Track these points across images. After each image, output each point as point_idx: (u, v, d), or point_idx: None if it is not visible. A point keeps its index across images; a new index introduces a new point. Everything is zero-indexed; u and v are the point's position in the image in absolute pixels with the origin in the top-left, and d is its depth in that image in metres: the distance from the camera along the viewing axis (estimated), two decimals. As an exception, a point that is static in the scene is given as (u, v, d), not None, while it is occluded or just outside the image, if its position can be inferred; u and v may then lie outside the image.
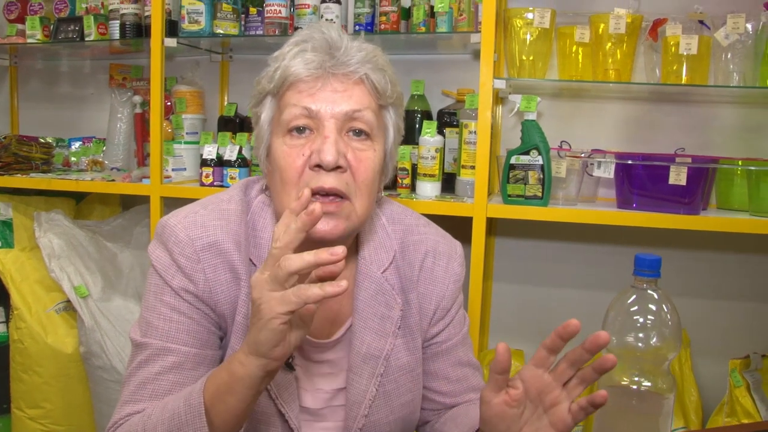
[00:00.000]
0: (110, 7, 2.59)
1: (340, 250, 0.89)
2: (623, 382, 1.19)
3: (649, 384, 1.19)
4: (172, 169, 2.52)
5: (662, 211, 2.01)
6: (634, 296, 1.20)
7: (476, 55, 2.35)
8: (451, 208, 2.11)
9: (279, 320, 0.91)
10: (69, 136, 3.03)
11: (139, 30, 2.56)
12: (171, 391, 1.10)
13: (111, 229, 2.81)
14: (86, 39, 2.65)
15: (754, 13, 2.05)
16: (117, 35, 2.58)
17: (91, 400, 2.54)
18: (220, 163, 2.38)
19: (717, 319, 2.40)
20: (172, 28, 2.46)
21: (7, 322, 2.63)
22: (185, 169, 2.58)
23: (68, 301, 2.52)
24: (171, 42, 2.41)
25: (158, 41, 2.39)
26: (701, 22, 2.11)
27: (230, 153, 2.37)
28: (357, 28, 2.32)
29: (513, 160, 2.07)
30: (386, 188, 1.30)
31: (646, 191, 2.06)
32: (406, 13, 2.34)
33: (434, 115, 2.44)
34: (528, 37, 2.25)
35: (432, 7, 2.27)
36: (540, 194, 2.06)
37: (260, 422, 1.18)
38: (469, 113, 2.18)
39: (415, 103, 2.39)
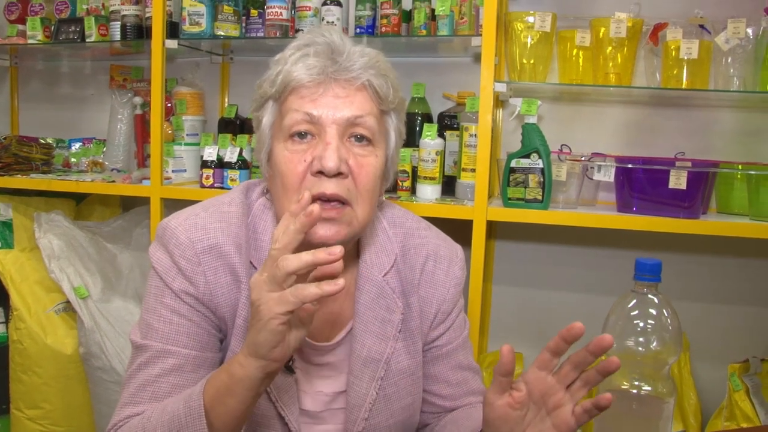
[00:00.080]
0: (111, 9, 2.59)
1: (337, 250, 0.89)
2: (623, 386, 1.19)
3: (649, 388, 1.19)
4: (173, 171, 2.52)
5: (662, 214, 2.01)
6: (635, 300, 1.20)
7: (477, 58, 2.35)
8: (452, 211, 2.12)
9: (277, 321, 0.91)
10: (69, 136, 3.03)
11: (139, 31, 2.56)
12: (171, 394, 1.10)
13: (111, 230, 2.81)
14: (87, 40, 2.65)
15: (755, 17, 2.05)
16: (118, 36, 2.58)
17: (91, 401, 2.53)
18: (221, 164, 2.38)
19: (716, 322, 2.41)
20: (172, 29, 2.46)
21: (6, 322, 2.63)
22: (185, 170, 2.58)
23: (68, 301, 2.51)
24: (172, 43, 2.41)
25: (159, 43, 2.39)
26: (702, 26, 2.12)
27: (230, 155, 2.37)
28: (358, 30, 2.32)
29: (513, 164, 2.07)
30: (386, 191, 1.29)
31: (646, 195, 2.06)
32: (407, 16, 2.34)
33: (435, 117, 2.44)
34: (529, 40, 2.25)
35: (433, 10, 2.27)
36: (540, 197, 2.06)
37: (260, 425, 1.18)
38: (470, 116, 2.18)
39: (416, 105, 2.39)
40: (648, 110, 2.42)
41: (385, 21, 2.29)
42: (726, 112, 2.35)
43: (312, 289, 0.89)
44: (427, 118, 2.40)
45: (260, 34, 2.40)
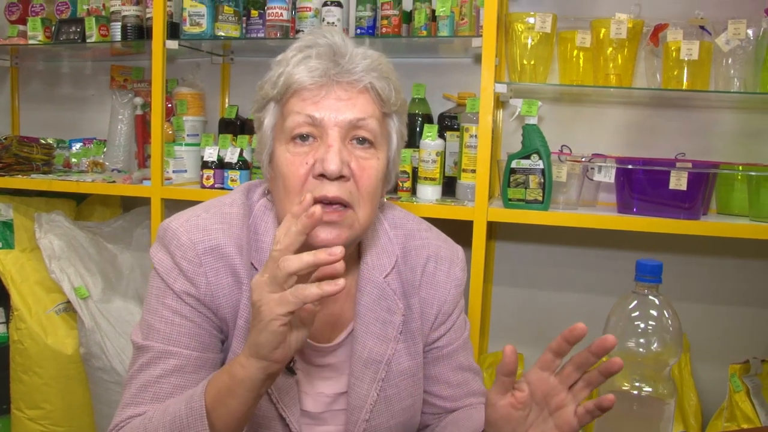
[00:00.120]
0: (112, 9, 2.59)
1: (337, 250, 0.89)
2: (624, 388, 1.20)
3: (650, 389, 1.19)
4: (173, 171, 2.52)
5: (662, 215, 2.02)
6: (636, 302, 1.20)
7: (477, 59, 2.36)
8: (452, 211, 2.12)
9: (279, 322, 0.92)
10: (70, 137, 3.03)
11: (140, 32, 2.56)
12: (172, 394, 1.10)
13: (111, 231, 2.81)
14: (88, 40, 2.65)
15: (755, 19, 2.06)
16: (118, 37, 2.58)
17: (91, 401, 2.53)
18: (221, 165, 2.38)
19: (717, 323, 2.41)
20: (173, 30, 2.46)
21: (7, 322, 2.63)
22: (186, 171, 2.58)
23: (68, 302, 2.51)
24: (172, 44, 2.41)
25: (160, 43, 2.39)
26: (702, 27, 2.12)
27: (231, 155, 2.37)
28: (358, 31, 2.32)
29: (514, 164, 2.07)
30: (387, 191, 1.29)
31: (646, 196, 2.06)
32: (408, 17, 2.34)
33: (435, 118, 2.45)
34: (529, 41, 2.25)
35: (433, 11, 2.27)
36: (540, 198, 2.06)
37: (261, 426, 1.19)
38: (470, 117, 2.18)
39: (416, 106, 2.39)
40: (648, 111, 2.42)
41: (385, 22, 2.29)
42: (726, 113, 2.35)
43: (312, 290, 0.89)
44: (428, 118, 2.41)
45: (261, 35, 2.40)
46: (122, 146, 2.88)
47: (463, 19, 2.22)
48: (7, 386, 2.58)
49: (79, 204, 2.99)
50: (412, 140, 2.30)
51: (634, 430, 1.19)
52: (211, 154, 2.39)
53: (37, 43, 2.75)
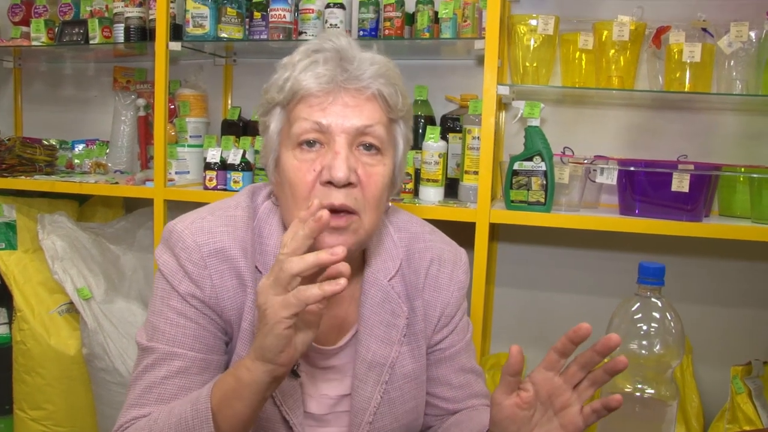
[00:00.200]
0: (115, 11, 2.61)
1: (339, 250, 0.90)
2: (627, 389, 1.20)
3: (652, 391, 1.19)
4: (176, 172, 2.52)
5: (665, 217, 2.02)
6: (638, 304, 1.21)
7: (480, 61, 2.36)
8: (455, 213, 2.12)
9: (283, 325, 0.92)
10: (72, 138, 3.04)
11: (143, 33, 2.57)
12: (177, 396, 1.11)
13: (114, 232, 2.82)
14: (91, 42, 2.65)
15: (758, 21, 2.05)
16: (121, 38, 2.59)
17: (94, 402, 2.54)
18: (224, 166, 2.38)
19: (719, 325, 2.41)
20: (176, 31, 2.46)
21: (10, 323, 2.63)
22: (188, 172, 2.58)
23: (71, 303, 2.52)
24: (175, 46, 2.41)
25: (163, 45, 2.39)
26: (704, 29, 2.12)
27: (234, 156, 2.38)
28: (361, 33, 2.32)
29: (516, 166, 2.07)
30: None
31: (648, 198, 2.07)
32: (410, 19, 2.35)
33: (437, 120, 2.45)
34: (532, 43, 2.26)
35: (436, 13, 2.28)
36: (543, 200, 2.06)
37: (264, 428, 1.19)
38: (473, 119, 2.18)
39: (419, 108, 2.39)
40: (650, 113, 2.42)
41: (388, 24, 2.29)
42: (728, 115, 2.35)
43: (314, 290, 0.89)
44: (430, 120, 2.41)
45: (263, 37, 2.40)
46: (125, 147, 2.89)
47: (465, 21, 2.22)
48: (10, 387, 2.58)
49: (81, 205, 3.00)
50: (415, 142, 2.30)
51: (637, 431, 1.20)
52: (213, 155, 2.40)
53: (40, 44, 2.76)
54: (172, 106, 2.70)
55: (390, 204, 1.36)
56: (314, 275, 0.93)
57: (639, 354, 1.17)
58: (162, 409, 1.07)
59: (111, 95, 3.00)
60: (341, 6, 2.31)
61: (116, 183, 2.56)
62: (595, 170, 2.14)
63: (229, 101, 2.88)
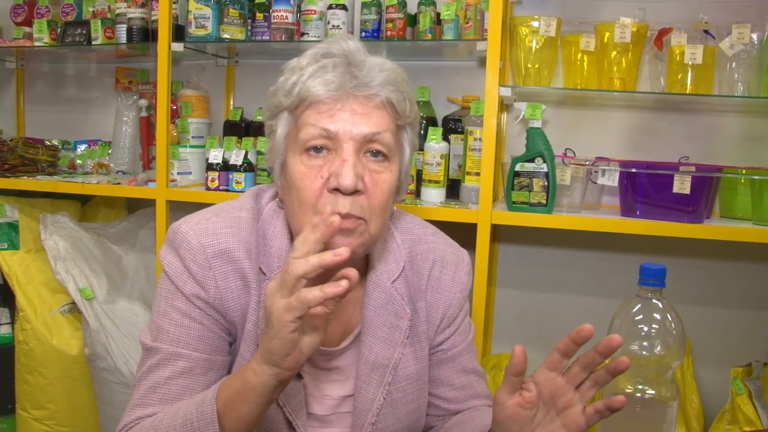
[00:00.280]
0: (117, 12, 2.61)
1: (343, 250, 0.90)
2: (627, 390, 1.20)
3: (653, 392, 1.20)
4: (178, 173, 2.53)
5: (666, 219, 2.02)
6: (639, 305, 1.21)
7: (482, 62, 2.36)
8: (456, 214, 2.12)
9: (288, 328, 0.92)
10: (75, 138, 3.04)
11: (146, 34, 2.57)
12: (181, 396, 1.11)
13: (116, 232, 2.83)
14: (93, 43, 2.66)
15: (760, 23, 2.06)
16: (124, 39, 2.59)
17: (96, 402, 2.54)
18: (226, 167, 2.39)
19: (719, 326, 2.41)
20: (178, 32, 2.47)
21: (12, 323, 2.64)
22: (191, 172, 2.59)
23: (73, 303, 2.53)
24: (178, 46, 2.42)
25: (165, 45, 2.40)
26: (706, 31, 2.12)
27: (236, 157, 2.38)
28: (363, 34, 2.32)
29: (518, 167, 2.08)
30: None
31: (649, 199, 2.07)
32: (413, 20, 2.35)
33: (439, 121, 2.45)
34: (534, 45, 2.26)
35: (438, 15, 2.28)
36: (544, 201, 2.07)
37: (267, 429, 1.19)
38: (474, 120, 2.19)
39: (421, 109, 2.39)
40: (652, 115, 2.42)
41: (390, 25, 2.29)
42: (730, 117, 2.35)
43: (315, 293, 0.89)
44: (432, 121, 2.41)
45: (266, 38, 2.40)
46: (127, 148, 2.89)
47: (467, 22, 2.22)
48: (12, 386, 2.59)
49: (83, 205, 3.00)
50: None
51: (637, 431, 1.20)
52: (215, 156, 2.40)
53: (43, 45, 2.77)
54: (175, 107, 2.71)
55: (393, 207, 1.36)
56: (321, 279, 0.92)
57: (640, 355, 1.17)
58: (167, 410, 1.08)
59: (113, 96, 3.00)
60: (343, 7, 2.31)
61: (118, 183, 2.56)
62: (596, 172, 2.14)
63: (231, 102, 2.89)
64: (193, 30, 2.43)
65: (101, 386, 2.49)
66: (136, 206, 3.01)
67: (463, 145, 2.23)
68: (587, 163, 2.16)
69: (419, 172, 2.27)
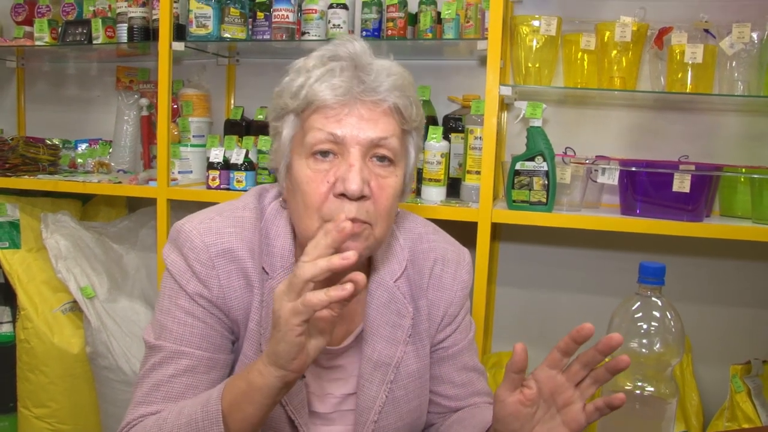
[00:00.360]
0: (118, 11, 2.61)
1: (351, 254, 0.90)
2: (627, 387, 1.21)
3: (652, 389, 1.20)
4: (179, 172, 2.53)
5: (666, 217, 2.02)
6: (639, 303, 1.22)
7: (482, 61, 2.36)
8: (457, 213, 2.13)
9: (294, 332, 0.92)
10: (75, 137, 3.04)
11: (146, 33, 2.57)
12: (184, 394, 1.12)
13: (117, 231, 2.83)
14: (94, 42, 2.66)
15: (760, 22, 2.06)
16: (125, 38, 2.59)
17: (97, 400, 2.55)
18: (227, 166, 2.39)
19: (719, 325, 2.41)
20: (179, 31, 2.47)
21: (14, 322, 2.64)
22: (191, 171, 2.59)
23: (74, 301, 2.53)
24: (179, 46, 2.42)
25: (166, 45, 2.40)
26: (707, 31, 2.13)
27: (237, 156, 2.38)
28: (364, 33, 2.32)
29: (518, 166, 2.08)
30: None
31: (649, 198, 2.07)
32: (413, 19, 2.35)
33: (440, 120, 2.46)
34: (534, 44, 2.26)
35: (439, 14, 2.28)
36: (544, 200, 2.07)
37: (269, 428, 1.20)
38: (475, 119, 2.19)
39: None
40: (652, 114, 2.42)
41: (391, 24, 2.29)
42: (730, 116, 2.36)
43: (320, 296, 0.89)
44: (433, 120, 2.42)
45: (266, 37, 2.41)
46: (128, 147, 2.89)
47: (468, 21, 2.23)
48: (14, 385, 2.59)
49: (84, 204, 3.01)
50: (417, 142, 2.31)
51: (637, 429, 1.21)
52: (216, 155, 2.40)
53: (44, 44, 2.77)
54: (175, 106, 2.71)
55: (397, 209, 1.37)
56: (329, 283, 0.92)
57: (639, 352, 1.18)
58: (171, 408, 1.08)
59: (114, 95, 3.00)
60: (344, 6, 2.31)
61: (119, 182, 2.56)
62: (596, 170, 2.15)
63: (232, 101, 2.89)
64: (194, 29, 2.43)
65: (102, 384, 2.49)
66: (137, 205, 3.01)
67: (464, 143, 2.24)
68: (587, 161, 2.17)
69: (420, 171, 2.27)
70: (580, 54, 2.30)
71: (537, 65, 2.29)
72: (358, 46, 1.15)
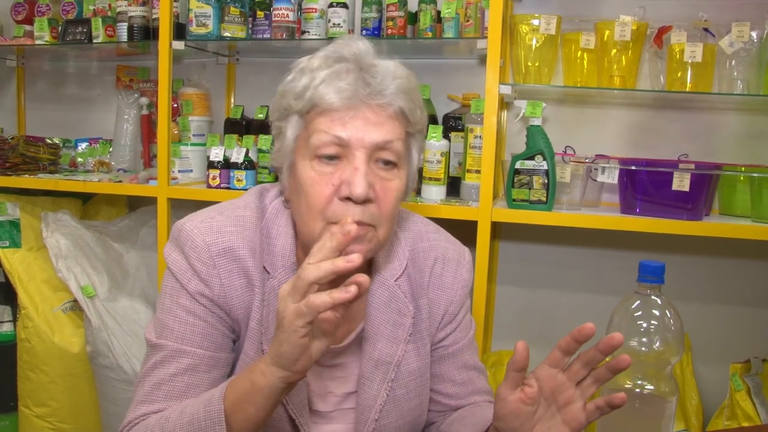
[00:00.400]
0: (118, 10, 2.61)
1: (355, 257, 0.90)
2: (627, 386, 1.21)
3: (651, 387, 1.20)
4: (179, 171, 2.53)
5: (665, 216, 2.03)
6: (638, 302, 1.22)
7: (482, 60, 2.36)
8: (457, 211, 2.13)
9: (298, 333, 0.92)
10: (76, 136, 3.04)
11: (146, 32, 2.57)
12: (185, 392, 1.12)
13: (117, 230, 2.83)
14: (94, 41, 2.66)
15: (759, 21, 2.06)
16: (125, 37, 2.60)
17: (98, 399, 2.55)
18: (227, 165, 2.39)
19: (718, 323, 2.42)
20: (179, 30, 2.47)
21: (14, 321, 2.65)
22: (192, 170, 2.59)
23: (75, 300, 2.53)
24: (179, 45, 2.42)
25: (166, 44, 2.40)
26: (706, 29, 2.13)
27: (237, 155, 2.39)
28: (364, 32, 2.32)
29: (518, 165, 2.08)
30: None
31: (649, 197, 2.07)
32: (413, 18, 2.35)
33: (440, 119, 2.46)
34: (534, 43, 2.27)
35: (439, 13, 2.28)
36: (544, 199, 2.07)
37: (270, 427, 1.20)
38: (475, 118, 2.19)
39: (421, 107, 2.40)
40: (652, 112, 2.43)
41: (390, 23, 2.30)
42: (729, 115, 2.36)
43: (323, 298, 0.89)
44: (432, 119, 2.42)
45: (266, 36, 2.41)
46: (128, 146, 2.89)
47: (468, 20, 2.23)
48: (15, 384, 2.59)
49: (85, 203, 3.01)
50: (417, 141, 2.31)
51: (636, 427, 1.21)
52: (217, 154, 2.40)
53: (44, 43, 2.77)
54: (175, 105, 2.71)
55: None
56: (333, 285, 0.92)
57: (639, 351, 1.18)
58: (173, 408, 1.08)
59: (114, 94, 3.00)
60: (344, 5, 2.31)
61: (119, 181, 2.56)
62: (596, 169, 2.15)
63: (232, 100, 2.89)
64: (194, 28, 2.43)
65: (103, 384, 2.49)
66: (137, 204, 3.01)
67: (464, 142, 2.24)
68: (587, 160, 2.17)
69: (420, 170, 2.27)
70: (579, 53, 2.30)
71: (537, 64, 2.29)
72: (362, 47, 1.15)
